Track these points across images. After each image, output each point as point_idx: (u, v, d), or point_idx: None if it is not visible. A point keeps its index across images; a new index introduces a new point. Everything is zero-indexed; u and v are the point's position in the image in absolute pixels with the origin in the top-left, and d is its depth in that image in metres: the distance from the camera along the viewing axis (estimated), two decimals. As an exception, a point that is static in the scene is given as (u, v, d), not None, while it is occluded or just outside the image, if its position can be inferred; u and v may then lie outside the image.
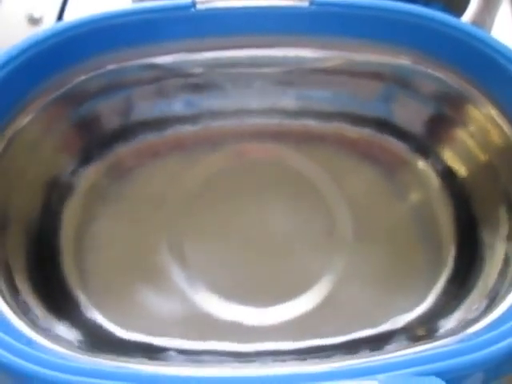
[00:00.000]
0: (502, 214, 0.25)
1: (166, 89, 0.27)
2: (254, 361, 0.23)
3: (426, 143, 0.28)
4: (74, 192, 0.26)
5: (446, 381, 0.18)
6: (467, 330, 0.21)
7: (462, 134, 0.26)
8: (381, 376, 0.18)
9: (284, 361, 0.23)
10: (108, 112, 0.27)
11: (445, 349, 0.19)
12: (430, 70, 0.26)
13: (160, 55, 0.26)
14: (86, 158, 0.27)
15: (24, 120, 0.24)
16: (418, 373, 0.18)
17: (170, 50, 0.26)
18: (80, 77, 0.25)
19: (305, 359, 0.23)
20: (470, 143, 0.26)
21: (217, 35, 0.26)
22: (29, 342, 0.19)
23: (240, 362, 0.23)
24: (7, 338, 0.19)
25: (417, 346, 0.21)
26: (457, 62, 0.25)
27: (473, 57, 0.25)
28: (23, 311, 0.22)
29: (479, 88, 0.25)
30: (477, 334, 0.20)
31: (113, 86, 0.26)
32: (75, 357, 0.20)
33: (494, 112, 0.25)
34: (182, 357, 0.24)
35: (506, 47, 0.24)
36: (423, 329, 0.24)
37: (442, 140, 0.27)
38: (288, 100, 0.28)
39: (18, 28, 0.31)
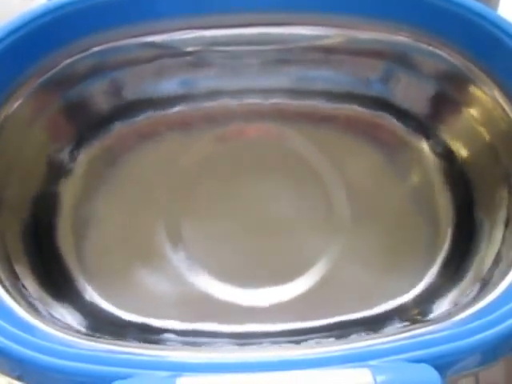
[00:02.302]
0: (502, 197, 0.24)
1: (161, 68, 0.26)
2: (251, 343, 0.24)
3: (426, 123, 0.27)
4: (70, 175, 0.26)
5: (439, 365, 0.19)
6: (460, 314, 0.21)
7: (463, 115, 0.26)
8: (373, 362, 0.19)
9: (279, 343, 0.23)
10: (101, 93, 0.26)
11: (437, 334, 0.19)
12: (431, 48, 0.25)
13: (156, 33, 0.25)
14: (80, 140, 0.27)
15: (14, 105, 0.24)
16: (411, 359, 0.19)
17: (166, 28, 0.25)
18: (69, 58, 0.25)
19: (299, 342, 0.23)
20: (472, 124, 0.26)
21: (215, 13, 0.25)
22: (27, 327, 0.20)
23: (237, 344, 0.24)
24: (4, 324, 0.19)
25: (411, 330, 0.21)
26: (459, 40, 0.24)
27: (475, 34, 0.24)
28: (21, 295, 0.22)
29: (482, 67, 0.24)
30: (469, 319, 0.20)
31: (105, 67, 0.26)
32: (74, 341, 0.20)
33: (497, 93, 0.24)
34: (178, 338, 0.24)
35: (509, 24, 0.23)
36: (417, 311, 0.24)
37: (443, 120, 0.27)
38: (286, 79, 0.27)
39: (10, 2, 0.30)
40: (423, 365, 0.18)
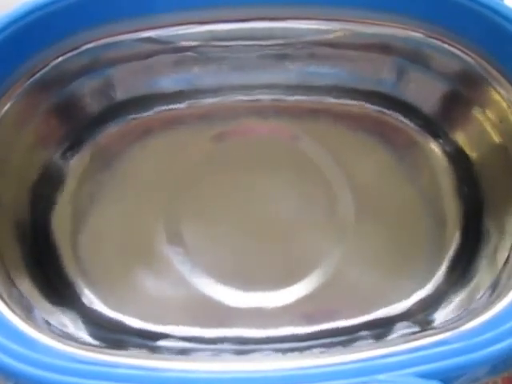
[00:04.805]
0: None
1: (157, 65, 0.25)
2: (253, 350, 0.23)
3: (437, 123, 0.26)
4: (65, 178, 0.25)
5: (449, 378, 0.18)
6: (471, 322, 0.21)
7: (476, 115, 0.25)
8: (382, 376, 0.18)
9: (283, 351, 0.23)
10: (95, 92, 0.25)
11: (448, 347, 0.19)
12: (445, 46, 0.24)
13: (152, 29, 0.24)
14: (74, 142, 0.25)
15: (2, 109, 0.22)
16: (420, 373, 0.18)
17: (163, 22, 0.24)
18: (60, 57, 0.23)
19: (303, 350, 0.23)
20: (484, 125, 0.25)
21: (213, 7, 0.24)
22: (23, 339, 0.19)
23: (239, 350, 0.23)
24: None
25: (420, 338, 0.21)
26: (475, 38, 0.23)
27: (492, 33, 0.23)
28: (18, 303, 0.21)
29: (498, 67, 0.23)
30: (480, 329, 0.20)
31: (98, 65, 0.24)
32: (72, 353, 0.19)
33: None
34: (179, 344, 0.23)
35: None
36: (424, 314, 0.24)
37: (454, 120, 0.26)
38: (289, 75, 0.26)
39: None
40: (435, 382, 0.18)
